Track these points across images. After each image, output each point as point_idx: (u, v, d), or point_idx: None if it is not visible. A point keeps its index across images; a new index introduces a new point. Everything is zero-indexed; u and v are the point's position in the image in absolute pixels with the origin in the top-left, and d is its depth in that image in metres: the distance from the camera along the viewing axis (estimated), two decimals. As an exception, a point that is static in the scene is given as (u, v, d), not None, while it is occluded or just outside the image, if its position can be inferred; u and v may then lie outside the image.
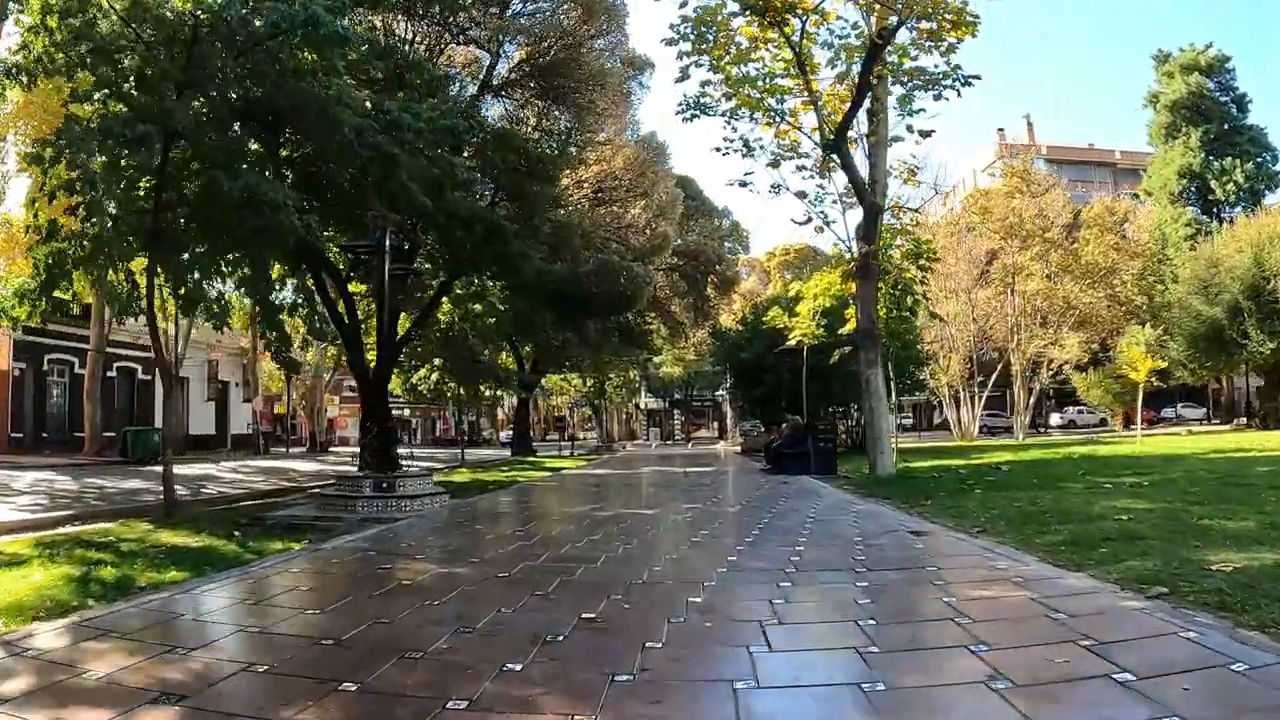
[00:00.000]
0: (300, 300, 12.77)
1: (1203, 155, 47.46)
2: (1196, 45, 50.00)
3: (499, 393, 34.21)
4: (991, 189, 33.35)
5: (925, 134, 12.73)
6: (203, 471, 20.13)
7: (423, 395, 70.10)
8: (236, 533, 7.77)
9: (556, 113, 15.61)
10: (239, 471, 20.35)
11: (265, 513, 9.91)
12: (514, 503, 10.68)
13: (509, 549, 6.40)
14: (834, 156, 13.47)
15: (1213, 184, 46.48)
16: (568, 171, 20.43)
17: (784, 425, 16.85)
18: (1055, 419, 46.74)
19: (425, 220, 13.21)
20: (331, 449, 47.38)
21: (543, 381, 69.16)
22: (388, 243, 10.21)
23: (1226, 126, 48.98)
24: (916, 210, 14.74)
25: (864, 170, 14.05)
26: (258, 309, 11.24)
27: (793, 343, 20.18)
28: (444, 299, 22.48)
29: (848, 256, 15.99)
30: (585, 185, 20.53)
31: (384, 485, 9.32)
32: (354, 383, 69.30)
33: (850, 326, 17.09)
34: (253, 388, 42.83)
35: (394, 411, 68.56)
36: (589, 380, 44.82)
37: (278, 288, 12.56)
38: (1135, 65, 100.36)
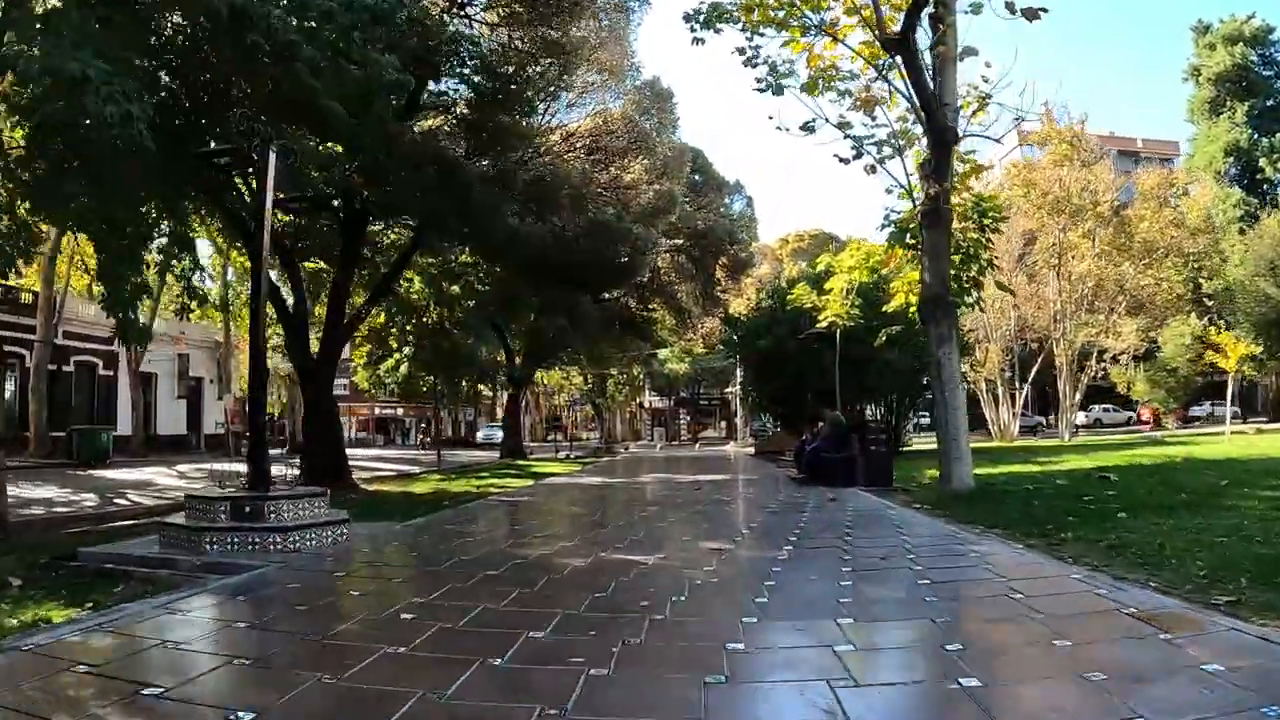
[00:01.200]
0: (181, 256, 9.44)
1: (1249, 131, 44.09)
2: (1238, 15, 46.67)
3: (490, 389, 30.93)
4: (1033, 162, 29.90)
5: (1032, 14, 9.30)
6: (142, 477, 17.48)
7: (416, 393, 67.23)
8: (15, 580, 5.48)
9: (533, 34, 12.29)
10: (186, 477, 17.54)
11: (92, 545, 6.74)
12: (453, 535, 7.36)
13: (385, 657, 3.10)
14: (896, 60, 10.15)
15: (1262, 162, 43.08)
16: (554, 123, 17.14)
17: (820, 424, 13.50)
18: (1081, 417, 43.34)
19: (357, 152, 9.93)
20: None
21: (542, 378, 66.04)
22: (272, 159, 6.92)
23: (1271, 102, 45.65)
24: (998, 140, 11.38)
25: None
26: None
27: (823, 325, 16.90)
28: (405, 272, 19.28)
29: (891, 220, 12.73)
30: (578, 143, 17.22)
31: (247, 512, 6.05)
32: (344, 381, 65.94)
33: (897, 302, 13.80)
34: (225, 383, 39.85)
35: (387, 411, 65.57)
36: (590, 377, 41.58)
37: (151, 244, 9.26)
38: (1150, 51, 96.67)
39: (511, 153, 12.66)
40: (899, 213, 13.42)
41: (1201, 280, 35.54)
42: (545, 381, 57.56)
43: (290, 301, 15.35)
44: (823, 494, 10.78)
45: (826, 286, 17.90)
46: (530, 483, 15.62)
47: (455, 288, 21.36)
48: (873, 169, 11.89)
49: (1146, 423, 41.87)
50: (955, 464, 10.30)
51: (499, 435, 32.36)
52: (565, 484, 14.87)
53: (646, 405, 67.31)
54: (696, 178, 29.44)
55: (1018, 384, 30.00)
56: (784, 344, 21.05)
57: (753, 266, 28.18)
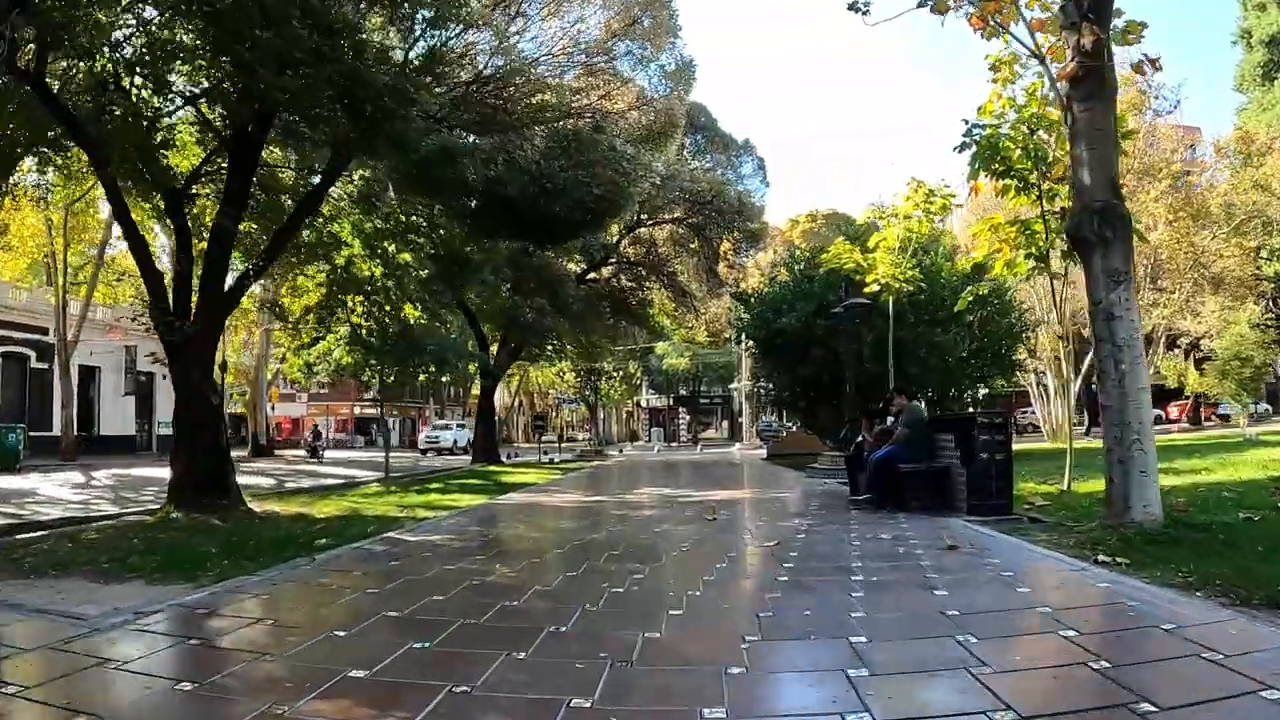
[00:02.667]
0: None
1: (1310, 96, 39.96)
2: (1290, -26, 42.53)
3: (462, 382, 26.81)
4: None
5: None
6: (34, 485, 14.81)
7: (396, 391, 63.09)
8: None
9: None
10: (90, 487, 14.80)
11: None
12: (251, 636, 3.24)
13: None
14: None
15: (1324, 130, 38.94)
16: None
17: (889, 418, 9.29)
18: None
19: None
20: (278, 451, 40.27)
21: (537, 377, 61.83)
22: None
23: (1334, 62, 41.47)
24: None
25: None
26: None
27: (874, 287, 12.76)
28: (341, 234, 15.13)
29: (974, 134, 8.69)
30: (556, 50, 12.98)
31: None
32: (324, 378, 60.98)
33: (960, 265, 9.74)
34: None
35: (366, 410, 61.46)
36: (582, 373, 37.53)
37: None
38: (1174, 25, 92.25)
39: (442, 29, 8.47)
40: (981, 127, 9.43)
41: (1261, 261, 31.47)
42: (539, 380, 53.38)
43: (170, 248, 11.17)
44: (920, 534, 6.62)
45: (873, 242, 13.72)
46: (482, 500, 11.52)
47: (406, 255, 17.21)
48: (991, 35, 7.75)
49: (1176, 420, 38.10)
50: (1138, 481, 6.17)
51: (447, 437, 28.51)
52: (528, 505, 10.71)
53: (644, 404, 63.11)
54: (699, 138, 25.32)
55: (1072, 375, 25.81)
56: (810, 323, 16.91)
57: (765, 239, 24.13)
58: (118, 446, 30.82)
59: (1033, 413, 32.07)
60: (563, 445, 38.94)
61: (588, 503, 10.53)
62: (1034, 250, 10.20)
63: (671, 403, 58.07)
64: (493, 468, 21.79)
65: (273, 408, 49.57)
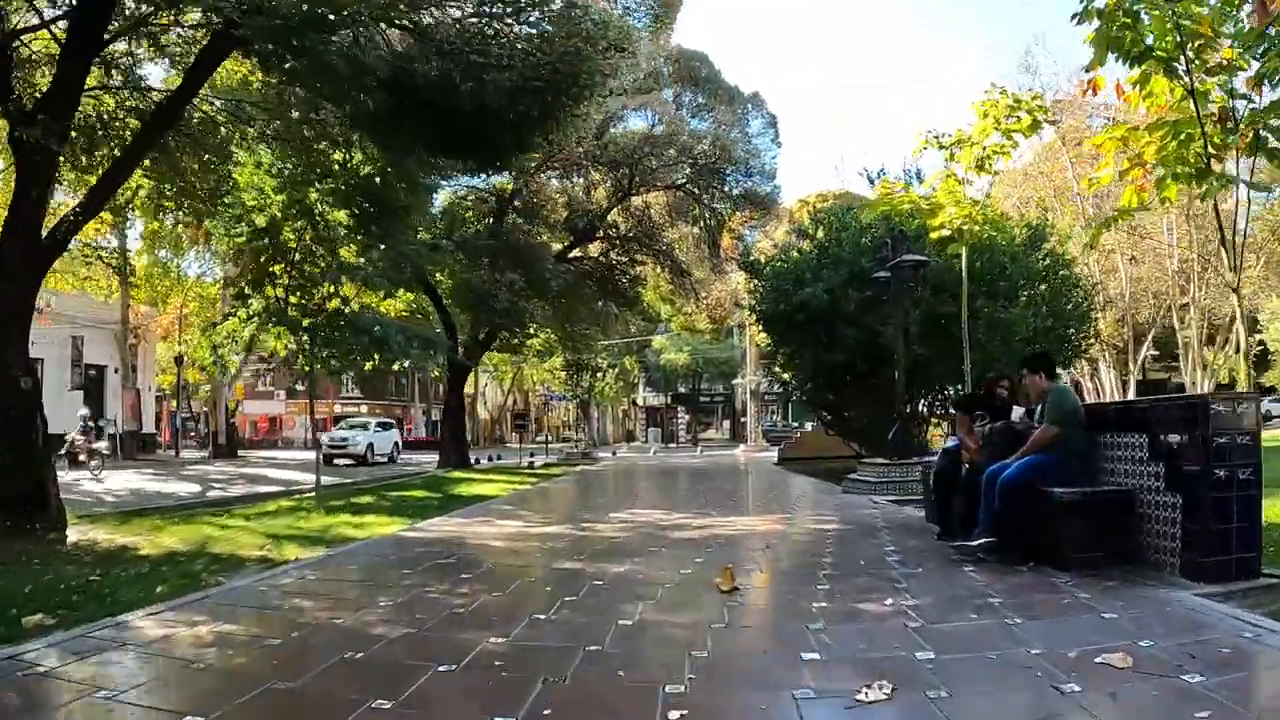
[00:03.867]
0: None
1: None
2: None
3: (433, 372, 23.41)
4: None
5: None
6: None
7: (377, 389, 59.50)
8: None
9: None
10: None
11: None
12: None
13: None
14: None
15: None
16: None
17: (1019, 411, 5.82)
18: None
19: None
20: (243, 453, 36.85)
21: (532, 375, 58.34)
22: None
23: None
24: None
25: None
26: None
27: (943, 232, 9.31)
28: (249, 177, 11.77)
29: None
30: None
31: None
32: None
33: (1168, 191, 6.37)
34: (123, 373, 32.75)
35: (348, 408, 58.07)
36: (571, 366, 34.24)
37: None
38: None
39: None
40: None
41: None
42: (534, 378, 49.86)
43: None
44: (1127, 621, 3.18)
45: (928, 183, 10.28)
46: (394, 528, 8.13)
47: (339, 213, 13.84)
48: None
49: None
50: None
51: (359, 441, 23.69)
52: (448, 541, 7.25)
53: (640, 402, 59.66)
54: (699, 96, 21.89)
55: (1132, 365, 22.49)
56: (840, 295, 13.50)
57: (777, 206, 20.73)
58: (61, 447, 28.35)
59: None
60: (549, 447, 35.54)
61: (535, 539, 7.08)
62: (1189, 166, 6.77)
63: (670, 401, 54.56)
64: (457, 474, 18.39)
65: (238, 404, 46.11)
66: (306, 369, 14.58)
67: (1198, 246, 21.91)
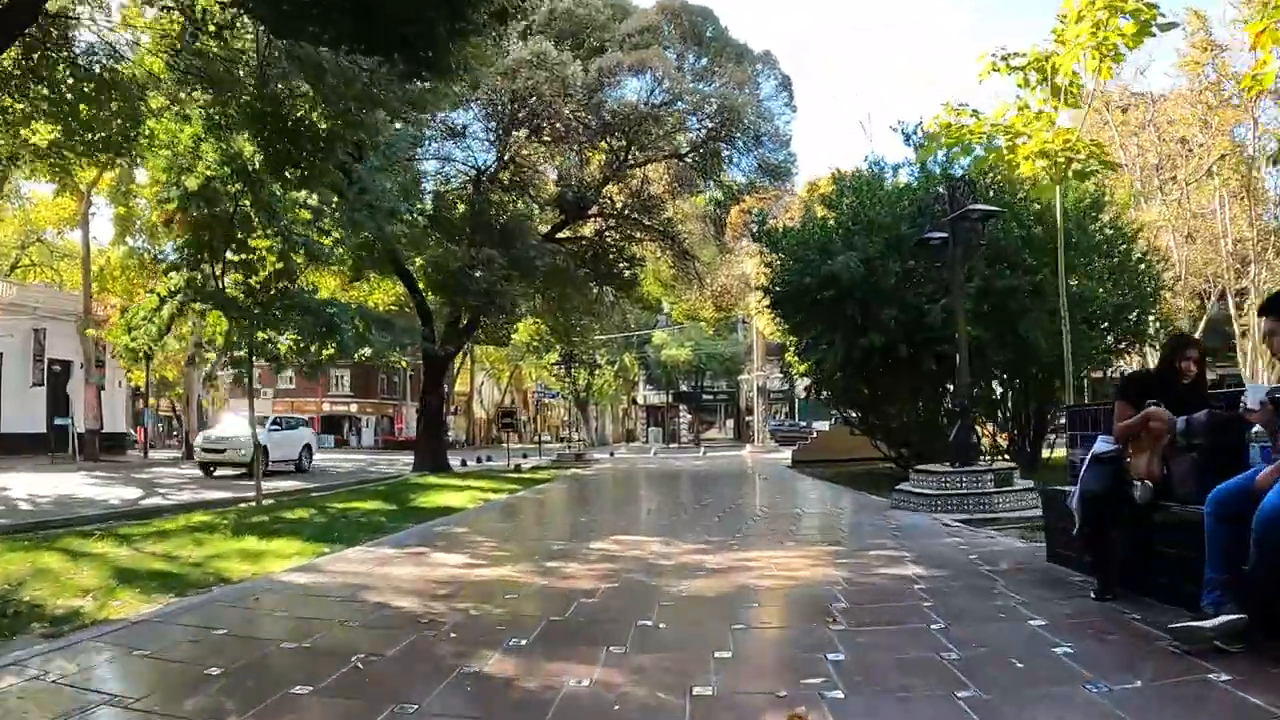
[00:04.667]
0: None
1: None
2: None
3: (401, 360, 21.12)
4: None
5: None
6: None
7: (368, 387, 57.18)
8: None
9: None
10: None
11: None
12: None
13: None
14: None
15: None
16: None
17: (1257, 391, 3.51)
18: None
19: None
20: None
21: (523, 367, 55.91)
22: None
23: None
24: None
25: None
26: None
27: (1031, 167, 6.99)
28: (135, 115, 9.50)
29: None
30: None
31: None
32: (289, 371, 55.02)
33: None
34: (86, 368, 30.87)
35: (336, 407, 56.07)
36: (564, 359, 32.04)
37: None
38: None
39: None
40: None
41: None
42: (534, 375, 47.48)
43: None
44: None
45: (998, 114, 7.93)
46: (310, 558, 5.84)
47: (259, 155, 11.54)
48: None
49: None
50: None
51: (241, 443, 16.19)
52: (350, 588, 4.94)
53: (640, 401, 57.31)
54: (703, 60, 19.54)
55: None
56: (879, 268, 11.18)
57: (793, 176, 18.42)
58: (25, 447, 26.20)
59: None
60: (543, 447, 33.27)
61: (469, 595, 4.69)
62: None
63: (671, 400, 52.16)
64: (431, 479, 16.08)
65: (211, 402, 43.78)
66: (242, 356, 12.33)
67: (1257, 223, 19.59)
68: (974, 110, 7.59)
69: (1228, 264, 20.12)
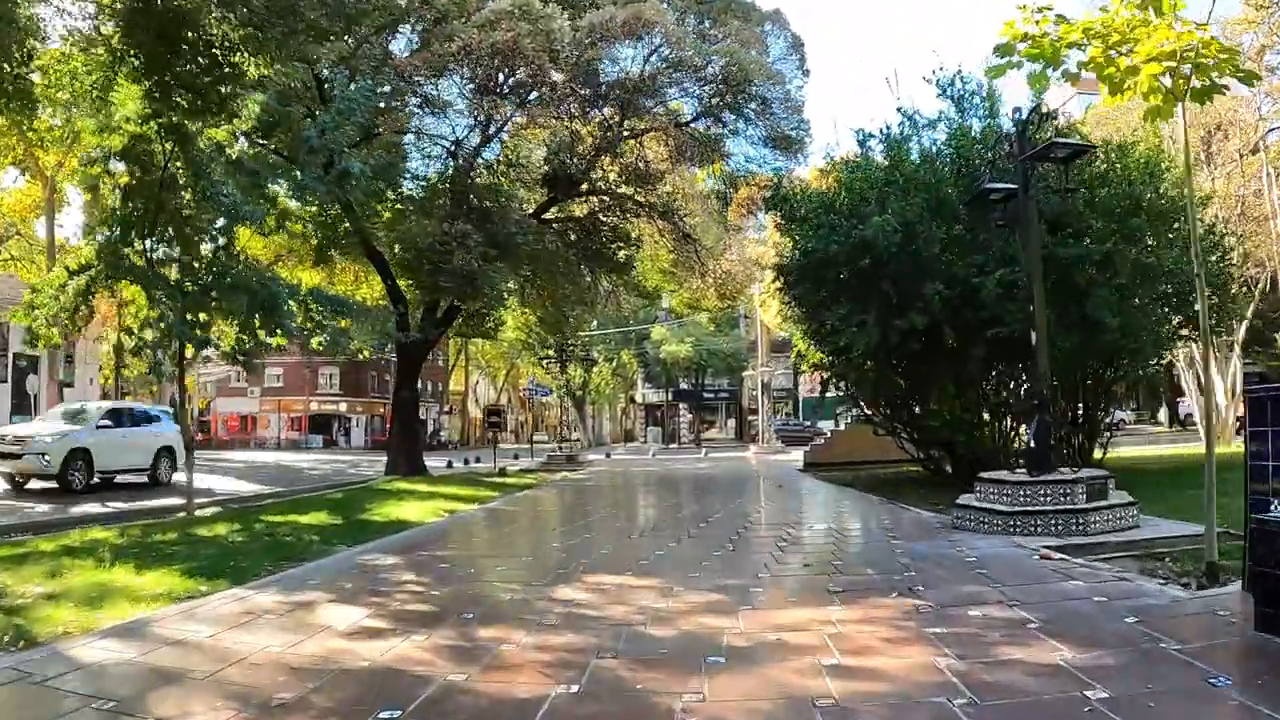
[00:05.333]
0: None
1: None
2: None
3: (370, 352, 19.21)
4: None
5: None
6: None
7: (358, 385, 55.26)
8: None
9: None
10: None
11: None
12: None
13: None
14: None
15: None
16: None
17: None
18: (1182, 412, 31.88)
19: None
20: (197, 453, 32.71)
21: (520, 365, 53.92)
22: None
23: None
24: None
25: None
26: None
27: (1150, 75, 5.13)
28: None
29: None
30: None
31: None
32: (279, 371, 52.75)
33: None
34: (50, 364, 29.25)
35: (325, 406, 54.35)
36: (555, 351, 30.24)
37: None
38: None
39: None
40: None
41: None
42: (532, 375, 45.54)
43: None
44: None
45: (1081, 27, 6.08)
46: (140, 614, 3.94)
47: (219, 132, 9.89)
48: None
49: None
50: None
51: (55, 445, 12.06)
52: (168, 687, 3.10)
53: (639, 400, 55.40)
54: (705, 20, 17.62)
55: (1238, 348, 18.23)
56: (919, 234, 9.29)
57: (806, 148, 16.47)
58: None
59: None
60: (535, 448, 31.37)
61: (340, 687, 2.86)
62: None
63: (670, 398, 50.16)
64: (400, 484, 14.20)
65: (188, 399, 41.86)
66: (165, 342, 10.47)
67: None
68: (1059, 15, 5.65)
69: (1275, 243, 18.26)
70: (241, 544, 7.18)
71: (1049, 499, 6.42)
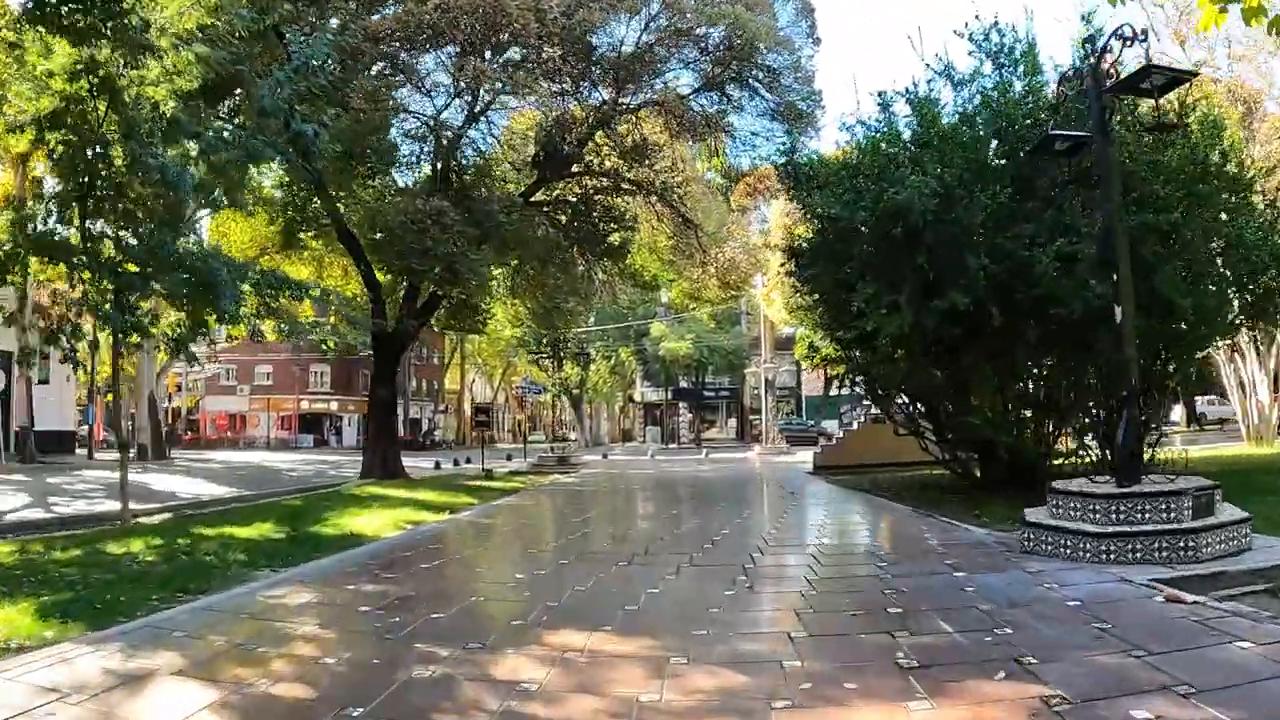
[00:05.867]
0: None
1: None
2: None
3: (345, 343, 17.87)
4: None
5: None
6: None
7: (350, 383, 53.90)
8: None
9: None
10: None
11: None
12: None
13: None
14: None
15: None
16: None
17: None
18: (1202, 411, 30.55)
19: None
20: (180, 453, 31.34)
21: (518, 363, 52.45)
22: None
23: None
24: None
25: None
26: None
27: None
28: None
29: None
30: None
31: None
32: (268, 369, 51.36)
33: None
34: (25, 360, 27.80)
35: (316, 405, 53.03)
36: (548, 347, 28.95)
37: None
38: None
39: None
40: None
41: None
42: (530, 376, 44.12)
43: None
44: None
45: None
46: None
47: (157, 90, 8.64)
48: None
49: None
50: None
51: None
52: None
53: (638, 398, 54.01)
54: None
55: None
56: (960, 201, 7.95)
57: (817, 122, 15.05)
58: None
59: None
60: (528, 448, 29.95)
61: None
62: None
63: (670, 397, 48.73)
64: (371, 488, 12.85)
65: (169, 398, 40.42)
66: (78, 333, 9.12)
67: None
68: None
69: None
70: (145, 567, 5.89)
71: (1149, 516, 5.06)
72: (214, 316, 9.14)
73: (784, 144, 11.49)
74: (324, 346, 17.56)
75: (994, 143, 8.67)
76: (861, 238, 8.39)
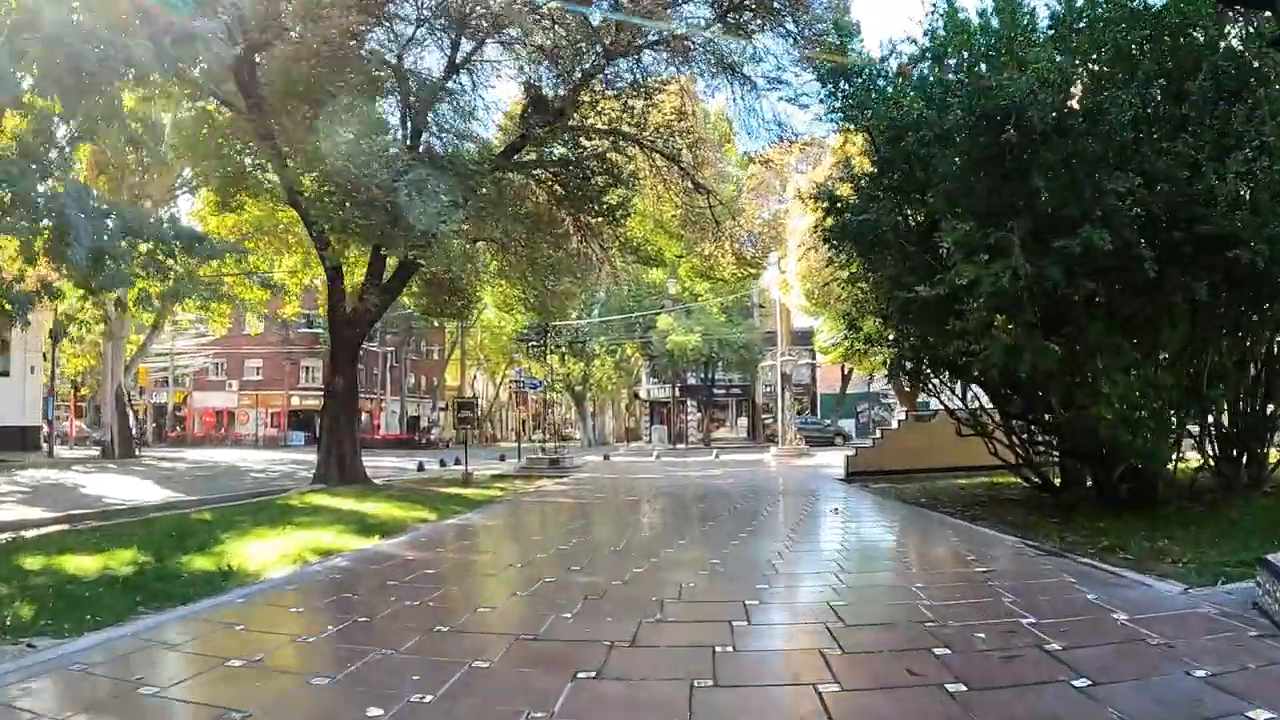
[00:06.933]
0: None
1: None
2: None
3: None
4: None
5: None
6: None
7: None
8: None
9: None
10: None
11: None
12: None
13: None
14: None
15: None
16: None
17: None
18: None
19: None
20: (141, 451, 29.11)
21: (521, 359, 49.94)
22: None
23: None
24: None
25: None
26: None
27: None
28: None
29: None
30: None
31: None
32: (258, 363, 49.08)
33: None
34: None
35: (307, 401, 51.15)
36: (539, 334, 26.55)
37: None
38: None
39: None
40: None
41: None
42: (530, 373, 41.76)
43: None
44: None
45: None
46: None
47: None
48: None
49: None
50: None
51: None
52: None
53: (644, 395, 51.57)
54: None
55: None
56: (1097, 106, 5.52)
57: (849, 47, 12.65)
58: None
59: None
60: (522, 447, 27.69)
61: None
62: None
63: (678, 394, 46.18)
64: (317, 499, 10.48)
65: (140, 392, 38.27)
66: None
67: None
68: None
69: None
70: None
71: None
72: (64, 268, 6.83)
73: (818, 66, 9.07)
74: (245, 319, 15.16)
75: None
76: (946, 158, 5.98)
